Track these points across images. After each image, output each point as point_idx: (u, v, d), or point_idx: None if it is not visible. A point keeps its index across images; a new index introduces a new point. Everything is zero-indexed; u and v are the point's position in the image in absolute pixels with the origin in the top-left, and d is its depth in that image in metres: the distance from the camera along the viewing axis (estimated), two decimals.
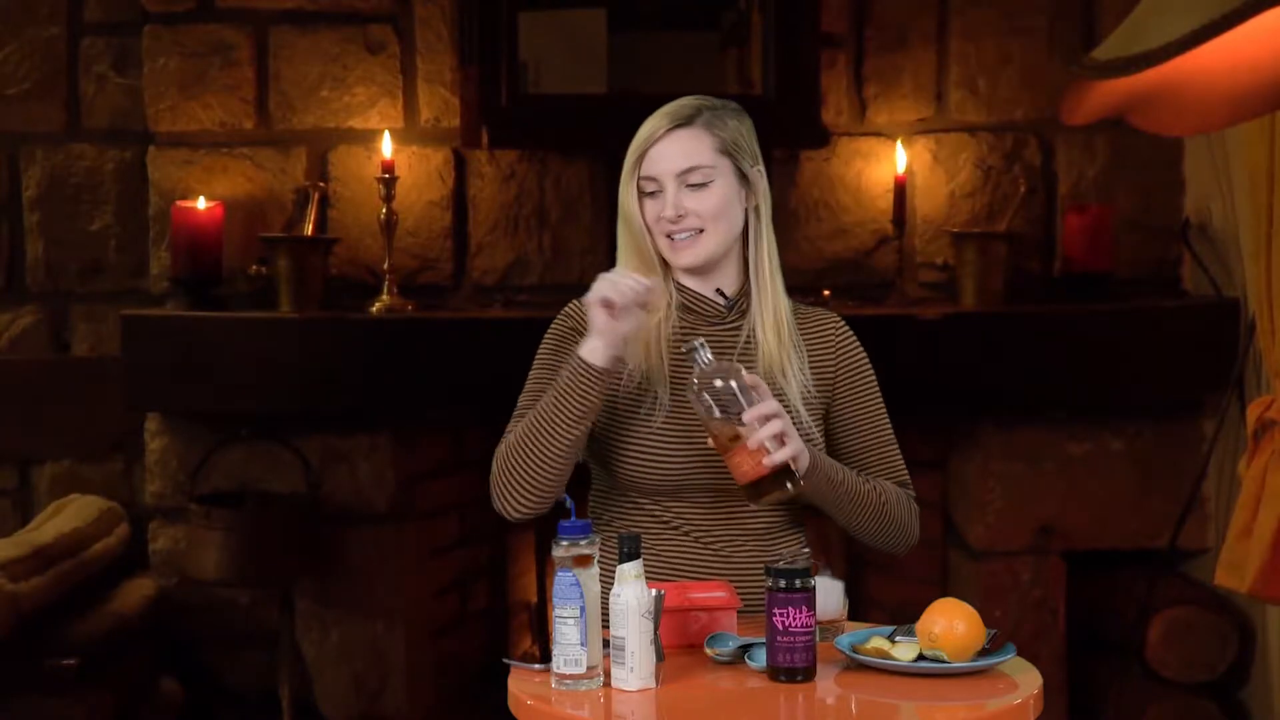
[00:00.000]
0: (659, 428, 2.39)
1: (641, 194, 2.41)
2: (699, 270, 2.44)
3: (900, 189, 3.96)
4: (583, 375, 2.27)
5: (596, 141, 4.00)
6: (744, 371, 2.27)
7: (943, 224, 4.04)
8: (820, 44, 3.98)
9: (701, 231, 2.39)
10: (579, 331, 2.40)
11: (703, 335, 2.40)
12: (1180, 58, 1.89)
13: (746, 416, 2.22)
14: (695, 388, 2.26)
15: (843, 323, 2.55)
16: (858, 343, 2.54)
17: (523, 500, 2.35)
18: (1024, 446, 3.96)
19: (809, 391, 2.44)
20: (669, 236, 2.40)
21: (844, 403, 2.49)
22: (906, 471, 2.52)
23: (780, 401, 2.35)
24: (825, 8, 3.97)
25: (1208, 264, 3.95)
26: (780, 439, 2.23)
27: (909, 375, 3.79)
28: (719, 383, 2.25)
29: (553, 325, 2.50)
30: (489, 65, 3.92)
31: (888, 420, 2.52)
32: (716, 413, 2.24)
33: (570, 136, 3.99)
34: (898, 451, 2.52)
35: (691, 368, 2.29)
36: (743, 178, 2.42)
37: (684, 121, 2.39)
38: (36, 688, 3.44)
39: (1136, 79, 1.99)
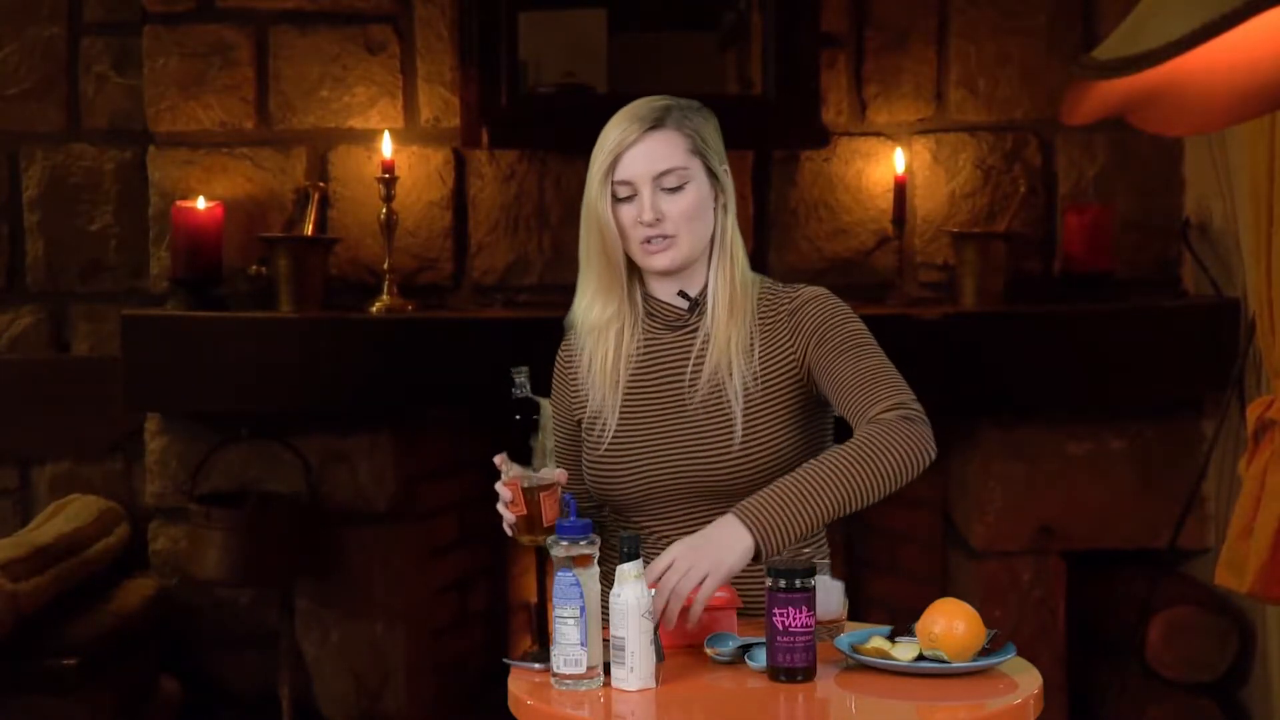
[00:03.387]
0: (605, 451, 2.41)
1: (615, 199, 2.38)
2: (669, 273, 2.42)
3: (900, 189, 3.96)
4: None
5: (596, 141, 3.99)
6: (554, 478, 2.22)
7: (943, 224, 4.04)
8: (820, 44, 3.98)
9: (675, 235, 2.37)
10: (566, 380, 2.50)
11: (663, 343, 2.42)
12: (1180, 58, 1.89)
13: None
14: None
15: (804, 292, 2.42)
16: (821, 302, 2.40)
17: None
18: (1024, 446, 3.96)
19: (752, 387, 2.37)
20: (646, 241, 2.37)
21: (822, 356, 2.36)
22: (901, 388, 2.31)
23: (717, 402, 2.36)
24: (825, 8, 3.97)
25: (1208, 264, 3.95)
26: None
27: (908, 375, 3.77)
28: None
29: (555, 367, 2.55)
30: (489, 65, 3.92)
31: (877, 351, 2.36)
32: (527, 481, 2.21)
33: (570, 136, 3.99)
34: (888, 374, 2.33)
35: (647, 383, 2.33)
36: (713, 177, 2.40)
37: (656, 124, 2.37)
38: (36, 688, 3.44)
39: (1136, 79, 1.99)
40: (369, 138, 3.95)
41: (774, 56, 3.95)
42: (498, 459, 2.23)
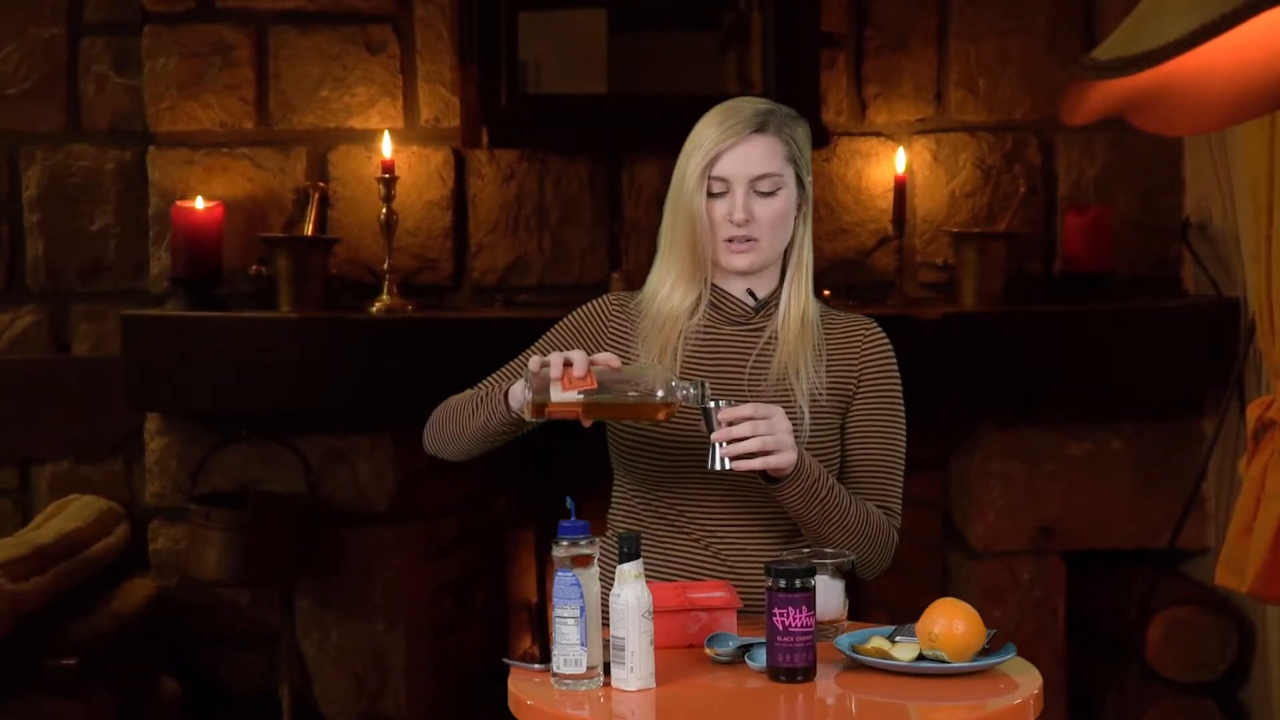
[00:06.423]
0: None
1: (708, 194, 2.41)
2: (745, 274, 2.45)
3: (900, 189, 3.96)
4: (497, 404, 2.38)
5: (596, 141, 4.00)
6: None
7: (943, 224, 4.04)
8: (820, 44, 3.98)
9: (759, 239, 2.41)
10: (603, 328, 2.51)
11: (723, 333, 2.45)
12: (1180, 58, 1.89)
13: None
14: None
15: (877, 329, 2.53)
16: (889, 352, 2.51)
17: (429, 448, 2.62)
18: (1024, 446, 3.96)
19: (820, 395, 2.43)
20: (729, 240, 2.41)
21: (860, 409, 2.47)
22: (899, 501, 2.48)
23: (785, 402, 2.37)
24: (825, 8, 3.97)
25: (1208, 264, 3.95)
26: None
27: (909, 375, 3.77)
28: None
29: (586, 305, 2.55)
30: (489, 65, 3.92)
31: (900, 445, 2.49)
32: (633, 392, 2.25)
33: (570, 136, 3.99)
34: (898, 479, 2.49)
35: (702, 367, 2.33)
36: (799, 185, 2.45)
37: (759, 127, 2.40)
38: (36, 688, 3.44)
39: (1136, 79, 1.99)
40: (369, 138, 3.95)
41: (774, 56, 3.96)
42: (606, 356, 2.26)
